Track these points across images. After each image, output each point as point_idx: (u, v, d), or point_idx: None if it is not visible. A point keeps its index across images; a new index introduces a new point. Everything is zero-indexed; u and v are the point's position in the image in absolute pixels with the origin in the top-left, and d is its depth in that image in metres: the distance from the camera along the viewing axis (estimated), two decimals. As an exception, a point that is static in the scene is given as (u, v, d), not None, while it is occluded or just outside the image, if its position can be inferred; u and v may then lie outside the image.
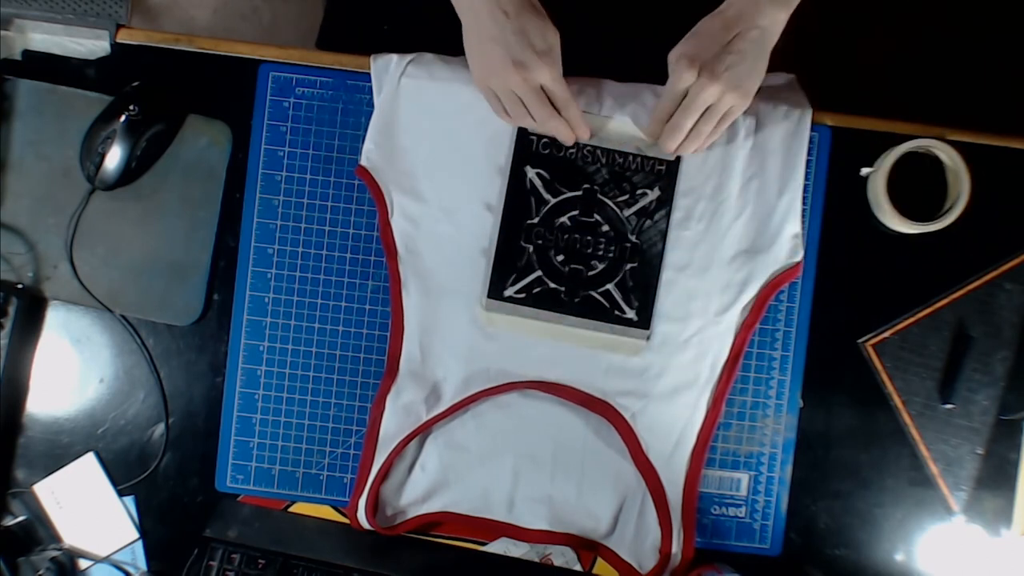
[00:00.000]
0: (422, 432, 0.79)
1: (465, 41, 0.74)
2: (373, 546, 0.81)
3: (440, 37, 0.79)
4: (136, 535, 0.81)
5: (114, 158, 0.79)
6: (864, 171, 0.78)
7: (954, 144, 0.77)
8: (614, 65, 0.81)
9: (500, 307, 0.79)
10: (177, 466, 0.82)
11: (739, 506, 0.81)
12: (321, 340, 0.81)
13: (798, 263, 0.79)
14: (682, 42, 0.71)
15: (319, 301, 0.81)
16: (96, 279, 0.81)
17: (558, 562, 0.81)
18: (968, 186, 0.76)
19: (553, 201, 0.79)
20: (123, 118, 0.79)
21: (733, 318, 0.79)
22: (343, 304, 0.82)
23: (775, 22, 0.70)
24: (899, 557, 0.80)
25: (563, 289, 0.79)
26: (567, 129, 0.75)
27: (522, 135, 0.79)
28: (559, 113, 0.74)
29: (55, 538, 0.81)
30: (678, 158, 0.78)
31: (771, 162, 0.78)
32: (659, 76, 0.80)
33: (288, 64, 0.82)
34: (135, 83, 0.81)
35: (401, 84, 0.79)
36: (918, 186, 0.78)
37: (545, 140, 0.79)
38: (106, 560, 0.81)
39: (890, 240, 0.79)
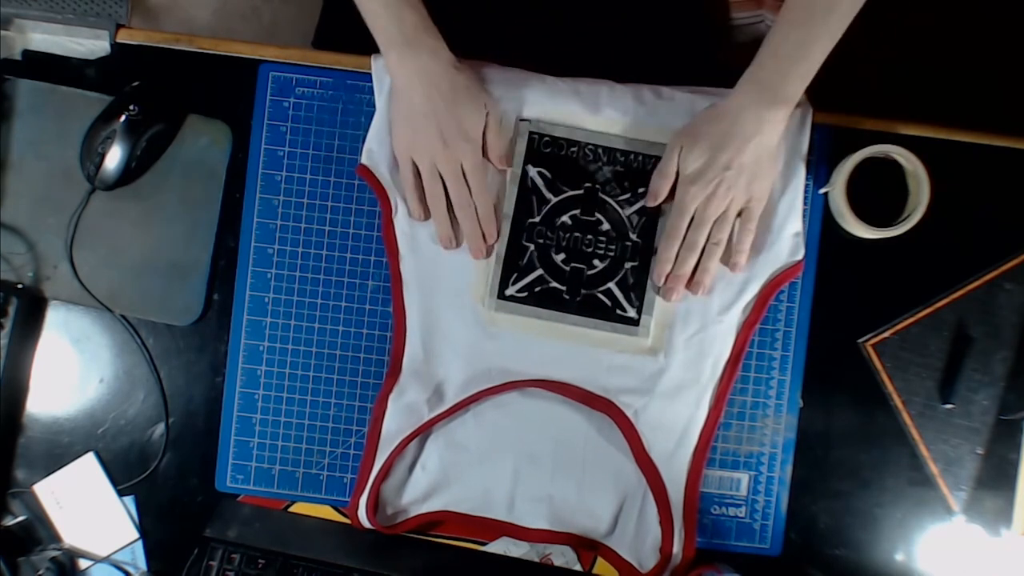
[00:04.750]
0: (423, 432, 0.79)
1: (394, 110, 0.77)
2: (373, 546, 0.81)
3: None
4: (136, 535, 0.81)
5: (114, 158, 0.79)
6: (823, 190, 0.79)
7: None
8: (614, 65, 0.81)
9: (502, 306, 0.79)
10: (177, 466, 0.82)
11: (739, 506, 0.81)
12: (321, 340, 0.81)
13: (799, 262, 0.79)
14: (682, 157, 0.74)
15: (319, 301, 0.81)
16: (96, 279, 0.81)
17: (558, 562, 0.81)
18: (928, 188, 0.75)
19: (554, 200, 0.79)
20: (123, 118, 0.79)
21: (734, 317, 0.79)
22: (343, 304, 0.81)
23: (775, 123, 0.72)
24: (899, 557, 0.80)
25: (564, 288, 0.79)
26: (477, 230, 0.77)
27: (523, 133, 0.79)
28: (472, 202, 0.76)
29: (55, 538, 0.81)
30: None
31: (772, 161, 0.78)
32: (660, 76, 0.81)
33: (288, 64, 0.82)
34: (135, 83, 0.81)
35: (402, 83, 0.79)
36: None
37: (547, 139, 0.79)
38: (106, 560, 0.81)
39: (889, 240, 0.79)
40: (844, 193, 0.76)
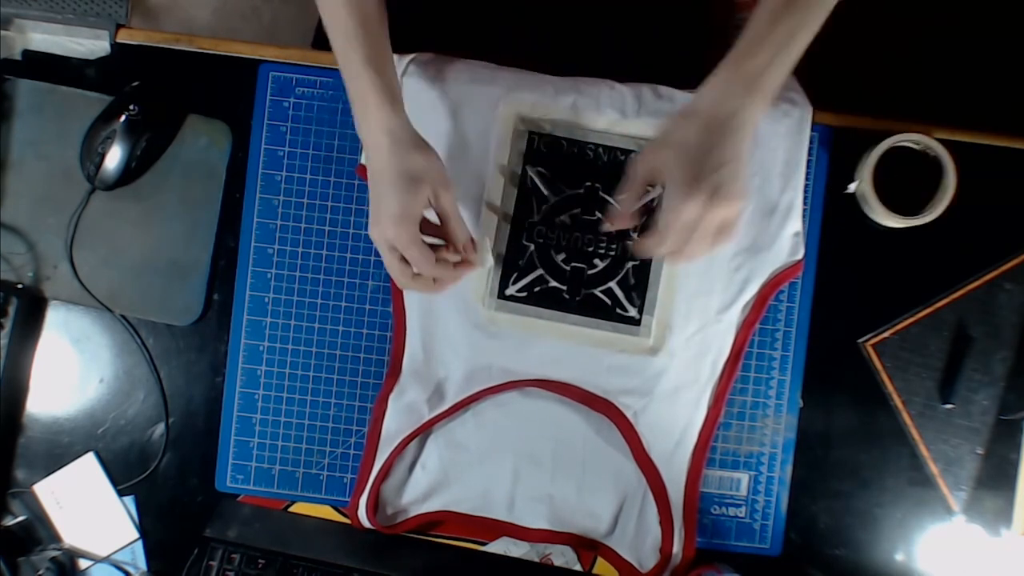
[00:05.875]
0: (423, 431, 0.79)
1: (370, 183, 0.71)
2: (373, 546, 0.81)
3: (435, 35, 0.79)
4: (136, 535, 0.81)
5: (114, 158, 0.79)
6: (850, 187, 0.78)
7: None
8: (614, 65, 0.81)
9: (502, 306, 0.79)
10: (177, 466, 0.82)
11: (739, 506, 0.81)
12: (321, 340, 0.81)
13: (799, 261, 0.79)
14: (671, 161, 0.65)
15: (319, 301, 0.81)
16: (96, 279, 0.81)
17: (558, 562, 0.81)
18: (954, 177, 0.76)
19: (554, 199, 0.79)
20: (123, 118, 0.79)
21: (734, 316, 0.79)
22: (343, 304, 0.82)
23: (755, 114, 0.65)
24: (899, 557, 0.80)
25: (565, 287, 0.79)
26: (455, 275, 0.72)
27: (523, 133, 0.79)
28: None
29: (55, 538, 0.81)
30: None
31: (772, 160, 0.78)
32: (660, 76, 0.81)
33: (288, 64, 0.82)
34: (135, 83, 0.81)
35: (402, 83, 0.79)
36: (911, 186, 0.78)
37: (547, 138, 0.79)
38: (106, 560, 0.81)
39: (890, 240, 0.80)
40: (871, 181, 0.76)
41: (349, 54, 0.69)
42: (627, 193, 0.70)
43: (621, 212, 0.71)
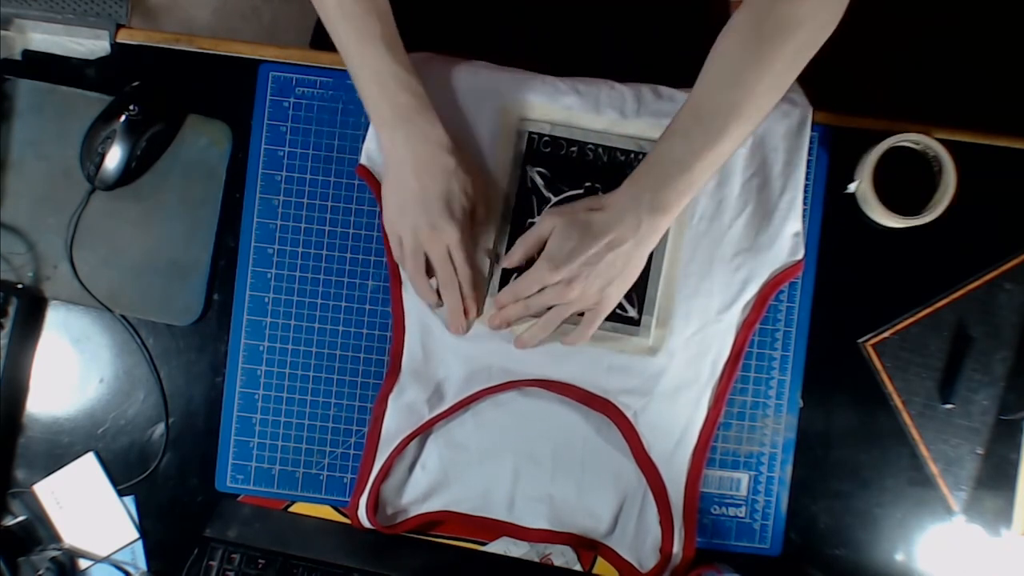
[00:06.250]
0: (423, 431, 0.79)
1: (385, 185, 0.75)
2: (373, 546, 0.81)
3: (435, 35, 0.79)
4: (136, 535, 0.81)
5: (114, 158, 0.79)
6: (850, 187, 0.78)
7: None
8: (614, 65, 0.81)
9: (501, 306, 0.79)
10: (177, 466, 0.82)
11: (739, 506, 0.81)
12: (321, 340, 0.81)
13: (799, 262, 0.79)
14: (552, 235, 0.71)
15: (319, 301, 0.81)
16: (96, 279, 0.81)
17: (558, 562, 0.81)
18: (954, 177, 0.76)
19: (555, 199, 0.79)
20: (123, 118, 0.79)
21: (734, 317, 0.79)
22: (343, 304, 0.82)
23: (653, 230, 0.70)
24: (899, 557, 0.80)
25: (564, 288, 0.79)
26: (459, 307, 0.75)
27: (523, 133, 0.79)
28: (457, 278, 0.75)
29: (55, 538, 0.81)
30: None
31: (772, 160, 0.78)
32: (660, 76, 0.81)
33: (288, 64, 0.82)
34: (135, 83, 0.81)
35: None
36: (911, 186, 0.78)
37: (546, 138, 0.79)
38: (106, 560, 0.81)
39: (890, 240, 0.80)
40: (871, 181, 0.76)
41: (381, 59, 0.71)
42: (523, 245, 0.74)
43: (511, 257, 0.75)
